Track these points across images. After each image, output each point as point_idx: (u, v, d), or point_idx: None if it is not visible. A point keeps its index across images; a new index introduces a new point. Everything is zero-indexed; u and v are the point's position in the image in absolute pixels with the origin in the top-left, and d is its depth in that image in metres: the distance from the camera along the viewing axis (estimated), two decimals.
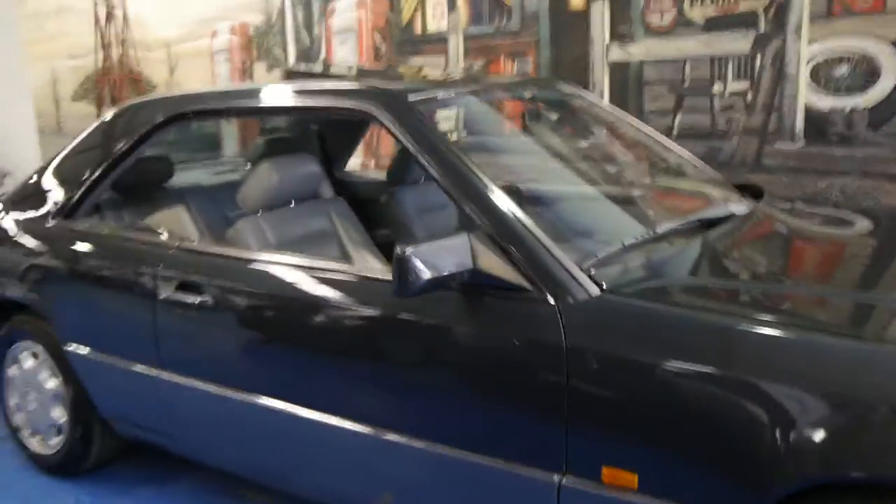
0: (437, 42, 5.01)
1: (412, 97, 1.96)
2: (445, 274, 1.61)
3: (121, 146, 2.47)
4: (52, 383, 2.62)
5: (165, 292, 2.18)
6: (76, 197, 2.54)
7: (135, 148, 2.46)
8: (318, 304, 1.91)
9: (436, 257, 1.61)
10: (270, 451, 2.07)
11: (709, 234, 1.90)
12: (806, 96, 3.85)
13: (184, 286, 2.15)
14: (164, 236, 2.34)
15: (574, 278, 1.60)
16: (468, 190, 1.75)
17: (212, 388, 2.11)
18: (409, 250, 1.58)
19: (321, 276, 1.94)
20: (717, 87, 4.08)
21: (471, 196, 1.74)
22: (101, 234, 2.47)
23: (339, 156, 3.44)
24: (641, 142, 2.50)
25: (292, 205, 2.49)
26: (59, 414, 2.62)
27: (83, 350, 2.45)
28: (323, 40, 5.61)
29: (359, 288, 1.88)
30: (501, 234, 1.67)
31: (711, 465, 1.42)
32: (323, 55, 5.63)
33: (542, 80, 2.66)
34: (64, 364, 2.55)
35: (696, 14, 4.08)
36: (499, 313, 1.65)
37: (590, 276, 1.61)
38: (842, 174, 3.78)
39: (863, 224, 2.21)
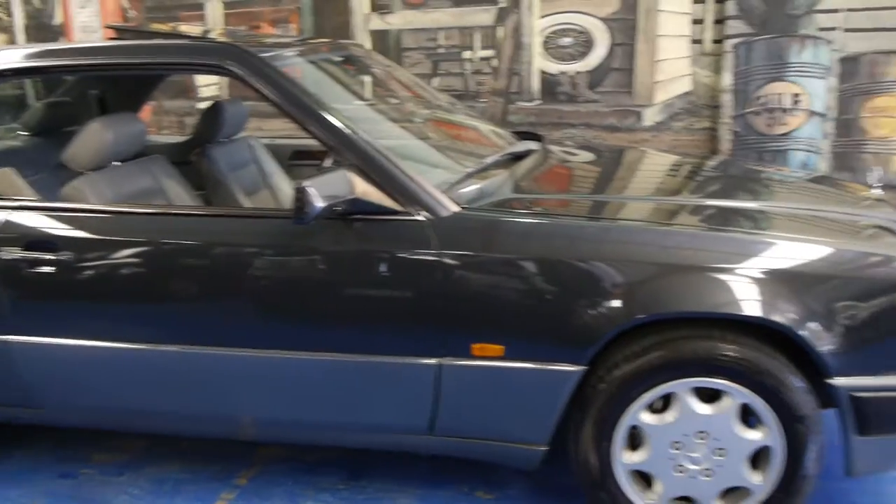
0: (194, 7, 4.99)
1: (265, 54, 2.16)
2: (333, 202, 1.89)
3: None
4: None
5: (9, 254, 2.15)
6: None
7: None
8: (208, 244, 2.06)
9: (324, 188, 1.88)
10: (156, 393, 2.17)
11: (519, 164, 2.39)
12: (539, 62, 4.58)
13: (33, 245, 2.14)
14: None
15: (437, 199, 1.98)
16: (337, 133, 2.02)
17: (86, 343, 2.13)
18: (305, 183, 1.84)
19: (206, 219, 2.09)
20: (467, 54, 4.66)
21: (340, 138, 2.02)
22: None
23: None
24: (434, 94, 2.94)
25: (115, 164, 2.53)
26: None
27: None
28: (57, 3, 5.25)
29: (245, 226, 2.07)
30: (371, 168, 1.98)
31: (557, 328, 1.89)
32: (59, 19, 5.27)
33: (340, 42, 2.94)
34: None
35: None
36: (376, 234, 1.97)
37: (448, 197, 2.00)
38: (570, 126, 4.59)
39: (603, 155, 2.88)
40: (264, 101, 2.10)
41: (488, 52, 4.63)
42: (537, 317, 1.91)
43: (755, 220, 2.09)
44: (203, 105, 5.04)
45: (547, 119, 4.60)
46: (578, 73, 4.54)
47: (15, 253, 2.15)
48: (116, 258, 2.12)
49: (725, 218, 2.09)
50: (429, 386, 1.99)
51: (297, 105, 2.06)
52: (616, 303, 1.86)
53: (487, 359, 1.94)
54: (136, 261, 2.12)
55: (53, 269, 2.12)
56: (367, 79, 2.67)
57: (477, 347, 1.94)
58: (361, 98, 2.49)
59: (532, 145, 2.61)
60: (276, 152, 3.35)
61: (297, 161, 3.42)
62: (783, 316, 1.82)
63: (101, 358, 2.16)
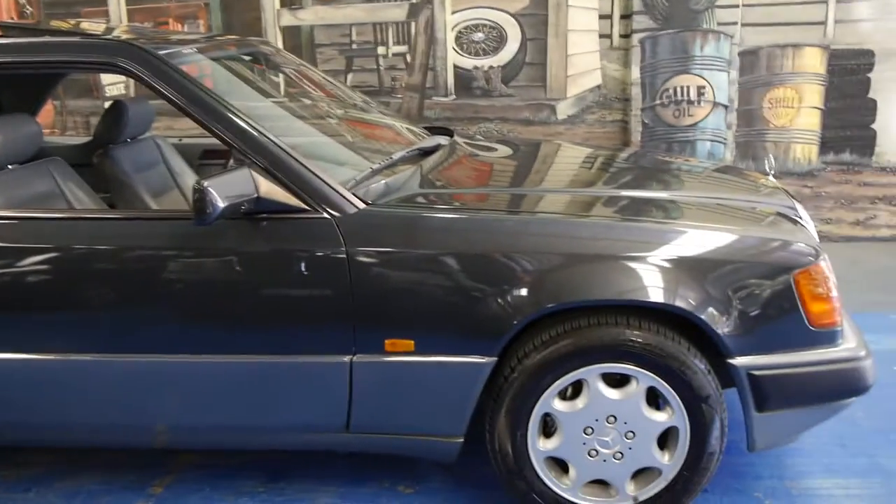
0: (96, 3, 4.81)
1: (161, 51, 2.10)
2: (236, 201, 1.85)
3: None
4: None
5: None
6: None
7: None
8: (111, 249, 2.00)
9: (225, 188, 1.84)
10: (62, 405, 2.08)
11: (427, 159, 2.39)
12: (453, 57, 4.60)
13: None
14: None
15: (343, 197, 1.96)
16: (239, 132, 1.98)
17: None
18: (205, 183, 1.79)
19: (107, 222, 2.03)
20: (381, 50, 4.65)
21: (242, 137, 1.98)
22: None
23: None
24: (343, 91, 2.92)
25: (10, 168, 2.42)
26: None
27: None
28: None
29: (148, 229, 2.01)
30: (275, 166, 1.95)
31: (466, 320, 1.91)
32: None
33: (247, 39, 2.88)
34: None
35: None
36: (283, 233, 1.94)
37: (354, 194, 1.98)
38: (486, 120, 4.64)
39: (514, 148, 2.92)
40: (162, 100, 2.04)
41: (402, 48, 4.63)
42: (445, 310, 1.92)
43: (663, 209, 2.16)
44: (108, 105, 4.86)
45: (463, 114, 4.63)
46: (492, 67, 4.59)
47: None
48: (14, 266, 2.02)
49: (634, 208, 2.14)
50: (343, 383, 1.97)
51: (197, 103, 2.01)
52: (523, 293, 1.89)
53: (399, 354, 1.94)
54: (35, 268, 2.03)
55: None
56: (275, 77, 2.63)
57: (389, 343, 1.94)
58: (267, 96, 2.45)
59: (441, 140, 2.62)
60: (186, 152, 3.26)
61: (207, 160, 3.35)
62: (685, 301, 1.89)
63: (1, 370, 2.06)
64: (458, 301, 1.91)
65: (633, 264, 1.91)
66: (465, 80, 4.62)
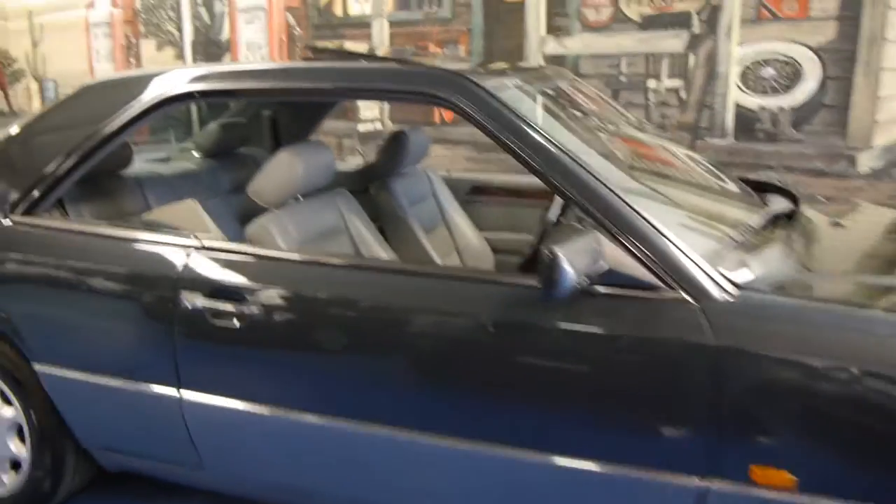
0: (360, 26, 4.81)
1: (487, 83, 1.82)
2: (588, 274, 1.51)
3: (101, 129, 2.11)
4: (6, 412, 2.21)
5: (191, 301, 1.89)
6: (42, 189, 2.14)
7: (121, 132, 2.11)
8: (418, 309, 1.74)
9: (576, 257, 1.51)
10: (329, 473, 1.86)
11: (786, 227, 1.93)
12: (736, 95, 4.08)
13: (218, 293, 1.88)
14: (174, 234, 2.03)
15: (710, 277, 1.56)
16: (581, 185, 1.65)
17: (259, 409, 1.86)
18: (558, 249, 1.47)
19: (408, 279, 1.78)
20: (652, 84, 4.22)
21: (584, 190, 1.64)
22: (86, 233, 2.09)
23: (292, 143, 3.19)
24: (660, 134, 2.52)
25: (300, 199, 2.27)
26: (17, 447, 2.22)
27: (63, 372, 2.07)
28: (226, 18, 5.20)
29: (468, 292, 1.72)
30: (629, 232, 1.59)
31: (874, 456, 1.44)
32: (226, 34, 5.22)
33: (551, 68, 2.55)
34: (23, 388, 2.16)
35: (633, 12, 4.19)
36: (626, 313, 1.58)
37: (724, 276, 1.57)
38: (768, 168, 4.06)
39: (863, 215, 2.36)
40: (493, 142, 1.76)
41: (676, 82, 4.18)
42: (846, 440, 1.45)
43: None
44: (362, 127, 4.84)
45: (740, 159, 4.09)
46: (781, 108, 4.01)
47: (196, 300, 1.89)
48: (307, 316, 1.82)
49: None
50: None
51: (530, 146, 1.70)
52: None
53: (772, 488, 1.50)
54: (329, 322, 1.81)
55: (234, 321, 1.84)
56: (588, 115, 2.28)
57: (758, 471, 1.50)
58: (589, 139, 2.08)
59: (788, 204, 2.13)
60: (454, 186, 3.05)
61: (475, 196, 3.11)
62: None
63: (273, 427, 1.87)
64: (870, 433, 1.43)
65: None
66: (746, 121, 4.08)
